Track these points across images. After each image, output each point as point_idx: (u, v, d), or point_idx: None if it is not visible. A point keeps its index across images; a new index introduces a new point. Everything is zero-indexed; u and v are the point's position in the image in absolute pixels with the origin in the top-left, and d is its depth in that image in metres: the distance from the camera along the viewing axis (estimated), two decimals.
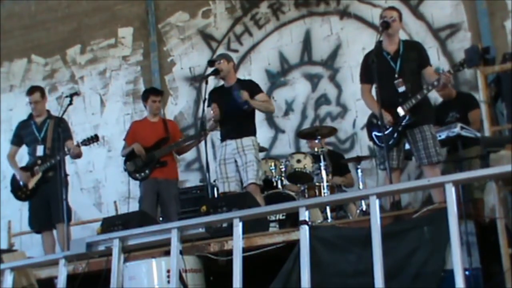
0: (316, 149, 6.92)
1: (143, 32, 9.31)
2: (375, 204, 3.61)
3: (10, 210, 8.56)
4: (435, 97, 6.70)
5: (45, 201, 6.67)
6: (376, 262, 3.45)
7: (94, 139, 6.64)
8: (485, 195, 6.26)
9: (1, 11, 9.85)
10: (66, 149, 6.53)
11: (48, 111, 7.00)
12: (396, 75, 5.54)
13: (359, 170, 7.10)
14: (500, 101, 5.92)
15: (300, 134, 7.56)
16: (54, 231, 6.76)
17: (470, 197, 6.21)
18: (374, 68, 5.37)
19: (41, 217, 6.74)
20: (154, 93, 7.11)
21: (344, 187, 7.32)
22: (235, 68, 6.72)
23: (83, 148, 6.67)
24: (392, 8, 5.92)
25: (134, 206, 7.54)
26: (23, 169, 6.81)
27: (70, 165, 7.35)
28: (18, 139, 6.99)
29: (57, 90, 9.40)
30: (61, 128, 6.46)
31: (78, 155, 6.75)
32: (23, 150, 7.06)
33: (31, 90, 6.96)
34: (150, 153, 6.77)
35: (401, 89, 5.53)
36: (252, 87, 6.38)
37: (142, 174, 6.77)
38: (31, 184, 6.73)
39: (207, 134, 6.54)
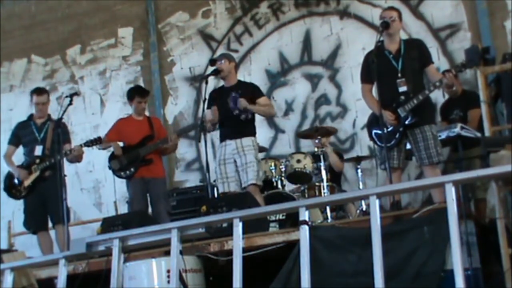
0: (316, 149, 6.92)
1: (143, 32, 9.31)
2: (375, 204, 3.60)
3: (10, 210, 8.55)
4: (435, 97, 6.70)
5: (41, 201, 6.65)
6: (376, 262, 3.44)
7: (98, 141, 6.68)
8: (488, 194, 6.25)
9: (1, 11, 9.85)
10: (66, 150, 6.53)
11: (49, 114, 6.99)
12: (399, 74, 5.53)
13: (359, 170, 7.10)
14: (500, 101, 5.91)
15: (300, 135, 7.54)
16: (50, 231, 6.75)
17: (473, 197, 6.23)
18: (374, 68, 5.36)
19: (37, 217, 6.71)
20: (140, 95, 6.97)
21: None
22: (236, 68, 6.70)
23: (84, 148, 6.68)
24: (391, 8, 5.91)
25: None
26: (20, 167, 6.78)
27: (70, 165, 7.33)
28: (16, 139, 6.96)
29: (57, 90, 9.39)
30: (60, 129, 6.46)
31: (78, 158, 6.75)
32: (19, 152, 7.01)
33: (40, 92, 6.98)
34: (135, 151, 6.71)
35: (403, 88, 5.50)
36: (253, 91, 6.37)
37: (127, 172, 6.72)
38: (28, 182, 6.69)
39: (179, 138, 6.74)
